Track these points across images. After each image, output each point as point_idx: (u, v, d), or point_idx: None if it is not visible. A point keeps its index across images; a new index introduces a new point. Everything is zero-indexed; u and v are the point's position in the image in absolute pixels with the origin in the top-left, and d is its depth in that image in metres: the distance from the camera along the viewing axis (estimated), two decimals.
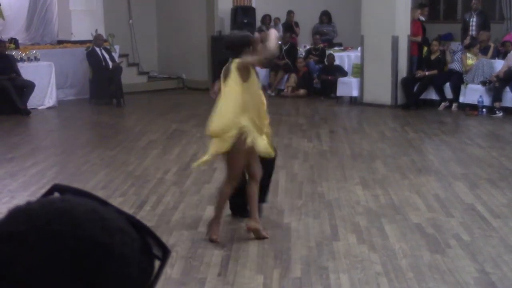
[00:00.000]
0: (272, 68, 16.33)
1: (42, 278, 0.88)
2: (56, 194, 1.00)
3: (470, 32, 14.97)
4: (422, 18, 15.10)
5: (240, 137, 5.97)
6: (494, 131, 11.74)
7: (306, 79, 15.84)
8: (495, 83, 13.02)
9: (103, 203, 0.98)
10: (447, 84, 13.78)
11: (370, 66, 14.29)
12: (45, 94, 14.39)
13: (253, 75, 6.06)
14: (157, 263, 0.99)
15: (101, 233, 0.92)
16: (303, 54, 16.51)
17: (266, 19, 17.39)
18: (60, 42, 16.03)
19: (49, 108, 14.34)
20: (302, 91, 15.79)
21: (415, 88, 14.04)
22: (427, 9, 16.72)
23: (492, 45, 14.27)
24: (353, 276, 5.37)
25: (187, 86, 17.49)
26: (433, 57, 14.07)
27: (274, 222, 6.73)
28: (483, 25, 15.03)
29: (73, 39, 15.88)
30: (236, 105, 5.98)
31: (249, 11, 16.94)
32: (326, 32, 17.45)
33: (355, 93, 14.79)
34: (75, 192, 1.00)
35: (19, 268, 0.88)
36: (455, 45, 15.51)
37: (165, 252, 0.99)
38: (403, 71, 14.26)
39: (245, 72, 5.99)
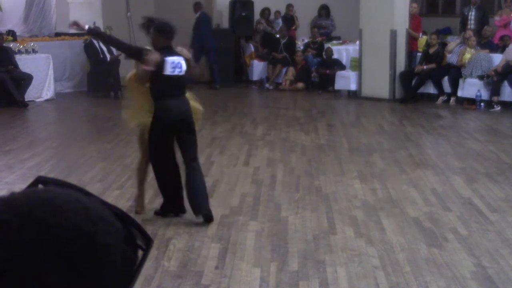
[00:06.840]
0: (270, 62, 16.31)
1: (25, 264, 0.88)
2: (40, 186, 0.99)
3: (469, 26, 14.96)
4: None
5: None
6: (492, 125, 11.74)
7: (304, 73, 15.82)
8: (493, 77, 13.00)
9: (87, 193, 0.98)
10: (445, 78, 13.77)
11: (368, 60, 14.27)
12: (43, 87, 14.37)
13: None
14: (140, 253, 0.99)
15: (85, 221, 0.92)
16: (302, 47, 16.48)
17: (265, 13, 17.36)
18: (58, 34, 15.97)
19: (46, 100, 14.32)
20: (300, 85, 15.78)
21: (413, 82, 14.04)
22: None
23: None
24: (350, 270, 5.37)
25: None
26: (431, 51, 14.06)
27: (271, 216, 6.73)
28: (482, 19, 15.01)
29: (71, 31, 15.80)
30: None
31: (247, 5, 16.90)
32: (324, 26, 17.43)
33: (353, 87, 14.79)
34: (58, 183, 1.00)
35: (2, 255, 0.88)
36: (453, 39, 15.46)
37: (148, 242, 1.00)
38: (401, 65, 14.25)
39: None
